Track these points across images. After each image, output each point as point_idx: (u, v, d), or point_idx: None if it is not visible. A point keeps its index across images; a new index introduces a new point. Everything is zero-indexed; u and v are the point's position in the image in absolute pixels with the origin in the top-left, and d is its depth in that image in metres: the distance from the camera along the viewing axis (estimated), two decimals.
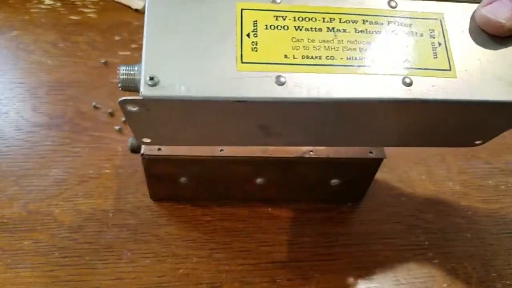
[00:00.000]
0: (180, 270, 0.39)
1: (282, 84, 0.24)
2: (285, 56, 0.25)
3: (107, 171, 0.46)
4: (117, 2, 0.67)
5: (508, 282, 0.41)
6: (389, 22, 0.26)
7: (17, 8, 0.64)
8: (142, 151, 0.38)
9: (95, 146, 0.48)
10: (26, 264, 0.38)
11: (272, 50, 0.25)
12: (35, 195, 0.43)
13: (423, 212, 0.45)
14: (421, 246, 0.43)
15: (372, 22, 0.26)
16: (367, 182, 0.43)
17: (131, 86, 0.25)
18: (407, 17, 0.27)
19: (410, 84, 0.25)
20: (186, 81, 0.24)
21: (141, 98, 0.24)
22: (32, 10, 0.64)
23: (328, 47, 0.25)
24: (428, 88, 0.25)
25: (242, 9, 0.25)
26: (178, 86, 0.23)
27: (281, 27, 0.25)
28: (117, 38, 0.61)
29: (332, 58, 0.25)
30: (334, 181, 0.42)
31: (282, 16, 0.25)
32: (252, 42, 0.25)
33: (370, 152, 0.40)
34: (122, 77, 0.25)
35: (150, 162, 0.38)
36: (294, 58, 0.25)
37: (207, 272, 0.39)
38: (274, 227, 0.43)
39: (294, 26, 0.25)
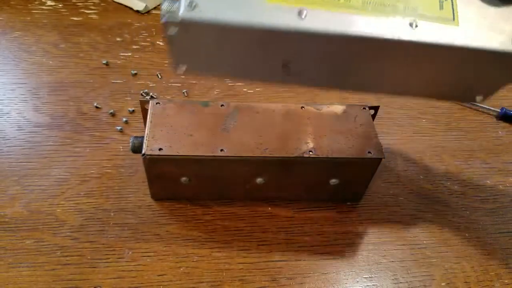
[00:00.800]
0: (181, 269, 0.40)
1: (302, 16, 0.28)
2: None
3: (109, 170, 0.46)
4: (118, 3, 0.68)
5: (506, 281, 0.41)
6: None
7: (19, 9, 0.65)
8: (143, 151, 0.38)
9: (96, 146, 0.48)
10: (28, 263, 0.39)
11: None
12: (37, 195, 0.43)
13: (421, 211, 0.46)
14: (419, 245, 0.43)
15: None
16: (366, 182, 0.44)
17: (173, 20, 0.28)
18: None
19: (415, 27, 0.28)
20: (221, 7, 0.27)
21: (180, 19, 0.27)
22: (34, 11, 0.65)
23: None
24: (431, 32, 0.28)
25: None
26: (213, 10, 0.27)
27: None
28: (118, 39, 0.61)
29: None
30: (333, 181, 0.42)
31: None
32: None
33: (369, 152, 0.40)
34: (166, 12, 0.28)
35: (151, 162, 0.39)
36: None
37: (207, 270, 0.40)
38: (274, 226, 0.43)
39: None
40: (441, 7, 0.29)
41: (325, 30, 0.28)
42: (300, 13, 0.28)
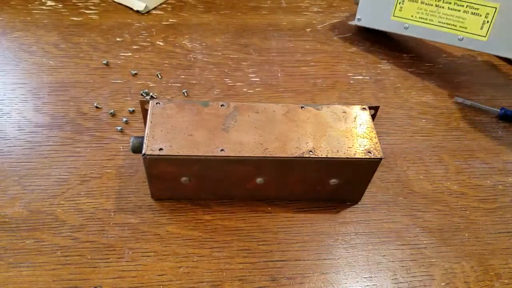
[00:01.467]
0: (181, 269, 0.40)
1: (406, 28, 0.59)
2: (411, 16, 0.58)
3: (109, 171, 0.46)
4: (118, 3, 0.68)
5: (506, 281, 0.41)
6: (466, 5, 0.53)
7: (19, 9, 0.65)
8: (143, 151, 0.38)
9: (96, 146, 0.48)
10: (28, 263, 0.39)
11: (407, 12, 0.58)
12: (37, 195, 0.43)
13: (421, 211, 0.46)
14: (419, 245, 0.43)
15: (456, 3, 0.54)
16: (366, 182, 0.44)
17: None
18: (475, 3, 0.53)
19: (461, 40, 0.56)
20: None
21: None
22: (34, 11, 0.65)
23: (432, 15, 0.56)
24: (471, 42, 0.55)
25: None
26: None
27: (414, 1, 0.57)
28: (118, 39, 0.61)
29: (431, 21, 0.57)
30: (333, 181, 0.42)
31: None
32: (401, 7, 0.58)
33: (369, 152, 0.40)
34: None
35: (151, 162, 0.39)
36: (414, 17, 0.58)
37: (207, 270, 0.40)
38: (274, 226, 0.43)
39: (421, 1, 0.56)
40: (481, 27, 0.53)
41: (416, 36, 0.60)
42: (405, 26, 0.59)
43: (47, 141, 0.48)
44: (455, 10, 0.54)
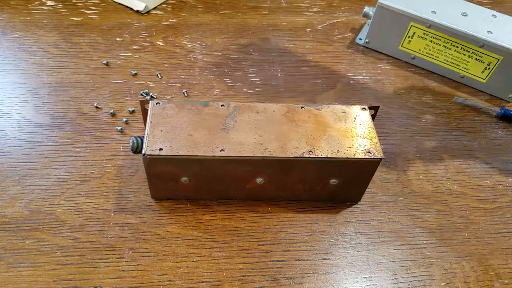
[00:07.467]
0: (181, 269, 0.40)
1: (413, 58, 0.62)
2: (419, 50, 0.60)
3: (109, 171, 0.46)
4: (118, 3, 0.68)
5: (506, 281, 0.41)
6: (472, 51, 0.57)
7: (19, 9, 0.65)
8: (143, 151, 0.38)
9: (96, 146, 0.48)
10: (28, 263, 0.39)
11: (415, 46, 0.60)
12: (37, 195, 0.43)
13: (421, 211, 0.46)
14: (419, 245, 0.43)
15: (463, 48, 0.57)
16: (366, 182, 0.44)
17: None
18: (480, 52, 0.56)
19: (463, 77, 0.60)
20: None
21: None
22: (34, 11, 0.65)
23: (439, 53, 0.59)
24: (471, 81, 0.60)
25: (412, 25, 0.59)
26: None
27: (423, 38, 0.59)
28: (118, 39, 0.61)
29: (437, 57, 0.60)
30: (333, 181, 0.42)
31: (426, 33, 0.58)
32: (409, 40, 0.60)
33: (369, 152, 0.40)
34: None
35: (151, 162, 0.39)
36: (421, 51, 0.60)
37: (207, 270, 0.40)
38: (274, 226, 0.43)
39: (430, 40, 0.59)
40: (482, 72, 0.58)
41: (420, 66, 0.63)
42: (412, 56, 0.61)
43: (47, 141, 0.48)
44: (461, 53, 0.57)
